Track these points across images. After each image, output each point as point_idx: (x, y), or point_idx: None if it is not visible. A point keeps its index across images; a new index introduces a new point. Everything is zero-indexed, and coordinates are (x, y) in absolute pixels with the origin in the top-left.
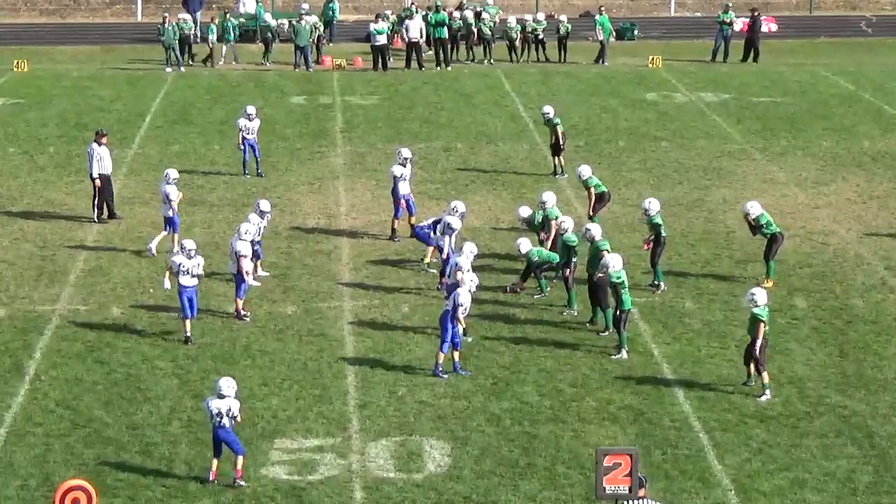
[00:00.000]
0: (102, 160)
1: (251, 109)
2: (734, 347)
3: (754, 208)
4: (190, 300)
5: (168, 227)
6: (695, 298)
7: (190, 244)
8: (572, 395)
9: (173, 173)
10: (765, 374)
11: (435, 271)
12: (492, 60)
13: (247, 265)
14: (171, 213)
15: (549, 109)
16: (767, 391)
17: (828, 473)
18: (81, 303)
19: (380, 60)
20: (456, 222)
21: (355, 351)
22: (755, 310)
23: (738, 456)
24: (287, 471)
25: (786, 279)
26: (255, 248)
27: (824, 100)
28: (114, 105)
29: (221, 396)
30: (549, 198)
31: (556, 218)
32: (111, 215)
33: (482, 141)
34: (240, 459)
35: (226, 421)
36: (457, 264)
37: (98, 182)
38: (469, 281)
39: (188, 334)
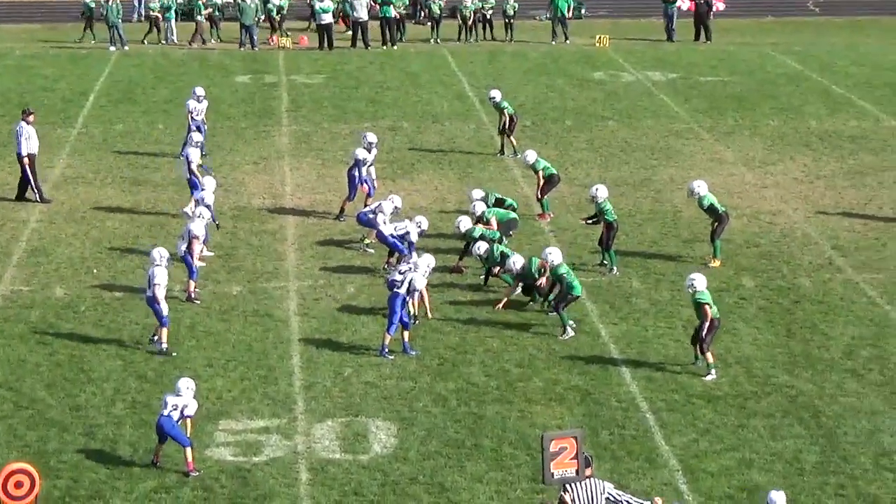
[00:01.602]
0: (30, 139)
1: (200, 91)
2: (681, 327)
3: (701, 188)
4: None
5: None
6: (642, 278)
7: (165, 253)
8: (519, 375)
9: (197, 136)
10: (709, 355)
11: (373, 251)
12: (438, 39)
13: (198, 247)
14: (188, 176)
15: (496, 94)
16: (713, 370)
17: (775, 453)
18: (24, 283)
19: (325, 39)
20: (414, 235)
21: (301, 331)
22: (697, 296)
23: (685, 436)
24: (232, 452)
25: (733, 259)
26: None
27: (772, 79)
28: (57, 84)
29: (179, 395)
30: (466, 222)
31: (474, 240)
32: (20, 196)
33: (428, 120)
34: (188, 451)
35: (175, 414)
36: (412, 281)
37: (27, 161)
38: (424, 265)
39: (165, 344)
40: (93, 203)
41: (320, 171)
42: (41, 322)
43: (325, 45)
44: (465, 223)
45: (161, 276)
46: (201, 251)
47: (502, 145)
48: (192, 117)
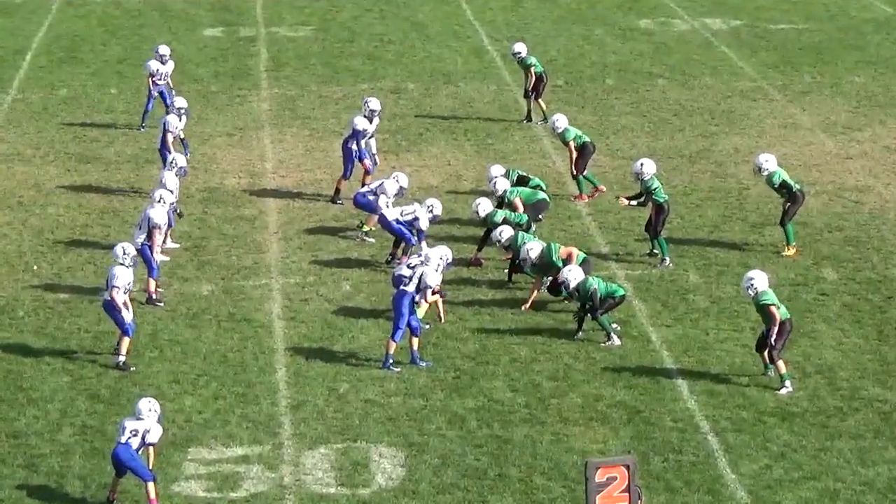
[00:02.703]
0: None
1: (164, 50)
2: (749, 330)
3: (769, 162)
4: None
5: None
6: (700, 270)
7: (130, 250)
8: (552, 390)
9: (180, 102)
10: (780, 364)
11: (373, 240)
12: None
13: (159, 238)
14: (158, 145)
15: (520, 48)
16: (787, 382)
17: (865, 482)
18: None
19: None
20: (424, 221)
21: (286, 339)
22: (760, 297)
23: (756, 462)
24: (204, 487)
25: (811, 246)
26: (169, 213)
27: (857, 26)
28: None
29: (140, 418)
30: (486, 204)
31: (496, 226)
32: None
33: (439, 81)
34: (150, 486)
35: (135, 441)
36: (423, 276)
37: None
38: (437, 258)
39: (124, 357)
40: (32, 185)
41: (308, 144)
42: None
43: None
44: (484, 206)
45: (123, 278)
46: (164, 243)
47: (529, 110)
48: (153, 82)
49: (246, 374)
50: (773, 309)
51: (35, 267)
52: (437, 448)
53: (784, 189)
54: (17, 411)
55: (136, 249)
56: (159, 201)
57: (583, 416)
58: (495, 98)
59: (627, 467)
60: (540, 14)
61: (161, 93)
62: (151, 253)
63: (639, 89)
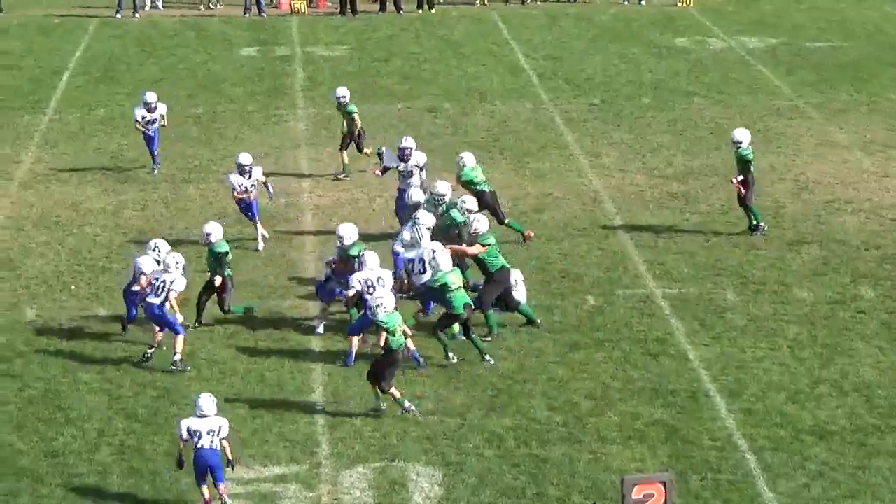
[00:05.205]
0: None
1: (151, 97)
2: (787, 348)
3: (469, 203)
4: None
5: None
6: (738, 289)
7: (164, 245)
8: (590, 409)
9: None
10: (393, 392)
11: None
12: (486, 0)
13: (144, 283)
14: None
15: (344, 93)
16: (407, 405)
17: None
18: None
19: (348, 2)
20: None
21: (323, 358)
22: (378, 318)
23: (794, 481)
24: None
25: (849, 263)
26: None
27: (894, 44)
28: (24, 61)
29: (203, 416)
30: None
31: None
32: None
33: (475, 99)
34: (222, 486)
35: (214, 442)
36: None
37: None
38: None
39: (180, 355)
40: (69, 205)
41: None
42: (8, 350)
43: (349, 8)
44: (416, 194)
45: (179, 284)
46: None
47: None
48: (138, 127)
49: (283, 394)
50: (386, 334)
51: (73, 287)
52: (475, 467)
53: (485, 264)
54: (54, 431)
55: (123, 293)
56: (153, 249)
57: (620, 435)
58: (532, 117)
59: (664, 484)
60: (576, 32)
61: (150, 138)
62: (136, 299)
63: (675, 108)
